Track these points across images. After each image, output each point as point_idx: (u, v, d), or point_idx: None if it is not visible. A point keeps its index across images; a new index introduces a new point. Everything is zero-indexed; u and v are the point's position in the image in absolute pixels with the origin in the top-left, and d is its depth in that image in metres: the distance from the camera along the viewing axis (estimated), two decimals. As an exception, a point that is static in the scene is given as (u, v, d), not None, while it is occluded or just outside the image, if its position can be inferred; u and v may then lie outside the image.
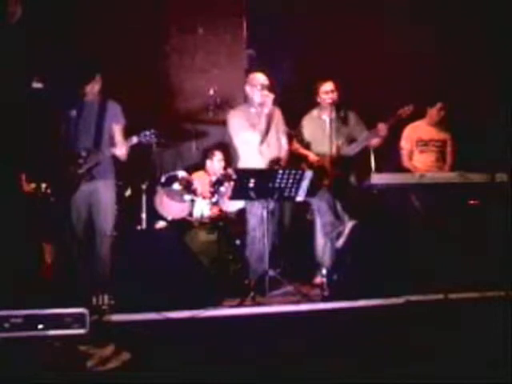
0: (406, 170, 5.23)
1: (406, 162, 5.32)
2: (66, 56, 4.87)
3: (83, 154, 4.27)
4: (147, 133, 4.31)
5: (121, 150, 4.31)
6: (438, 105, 5.27)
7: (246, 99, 4.87)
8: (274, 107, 4.70)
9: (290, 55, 5.64)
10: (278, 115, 4.76)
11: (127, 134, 4.43)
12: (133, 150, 4.37)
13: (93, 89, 4.36)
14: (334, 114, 4.92)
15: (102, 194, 4.32)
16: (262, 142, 4.61)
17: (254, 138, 4.61)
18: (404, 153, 5.34)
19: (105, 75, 4.42)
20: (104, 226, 4.30)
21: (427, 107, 5.32)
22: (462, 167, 4.74)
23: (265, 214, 4.31)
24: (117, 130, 4.44)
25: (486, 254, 4.33)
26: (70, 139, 4.32)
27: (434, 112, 5.30)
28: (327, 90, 4.90)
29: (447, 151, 5.34)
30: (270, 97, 4.54)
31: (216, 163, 5.30)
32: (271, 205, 4.38)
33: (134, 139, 4.32)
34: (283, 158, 4.72)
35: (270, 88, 4.63)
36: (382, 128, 4.77)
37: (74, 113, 4.34)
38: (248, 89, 4.72)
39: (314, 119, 5.00)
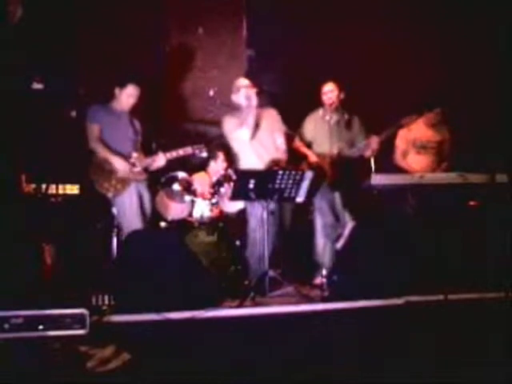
0: (402, 170, 5.21)
1: (399, 161, 5.25)
2: (66, 56, 4.87)
3: (135, 154, 4.54)
4: (196, 146, 4.71)
5: (162, 162, 4.61)
6: (436, 109, 5.27)
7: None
8: (267, 107, 4.72)
9: (290, 55, 5.63)
10: (272, 115, 4.76)
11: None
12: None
13: (128, 99, 4.56)
14: (337, 116, 4.94)
15: (147, 195, 4.63)
16: (251, 137, 4.60)
17: (244, 134, 4.61)
18: (397, 151, 5.30)
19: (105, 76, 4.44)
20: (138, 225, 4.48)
21: (425, 111, 5.31)
22: (462, 168, 4.74)
23: (265, 214, 4.32)
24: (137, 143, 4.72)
25: (485, 255, 4.33)
26: (110, 141, 4.52)
27: (431, 114, 5.29)
28: (325, 91, 4.92)
29: (444, 151, 5.33)
30: (253, 90, 4.58)
31: (220, 164, 5.31)
32: (271, 205, 4.39)
33: (189, 149, 4.70)
34: (282, 159, 4.72)
35: (254, 87, 4.66)
36: (374, 141, 4.81)
37: (100, 115, 4.51)
38: (234, 97, 4.73)
39: (318, 119, 5.01)
